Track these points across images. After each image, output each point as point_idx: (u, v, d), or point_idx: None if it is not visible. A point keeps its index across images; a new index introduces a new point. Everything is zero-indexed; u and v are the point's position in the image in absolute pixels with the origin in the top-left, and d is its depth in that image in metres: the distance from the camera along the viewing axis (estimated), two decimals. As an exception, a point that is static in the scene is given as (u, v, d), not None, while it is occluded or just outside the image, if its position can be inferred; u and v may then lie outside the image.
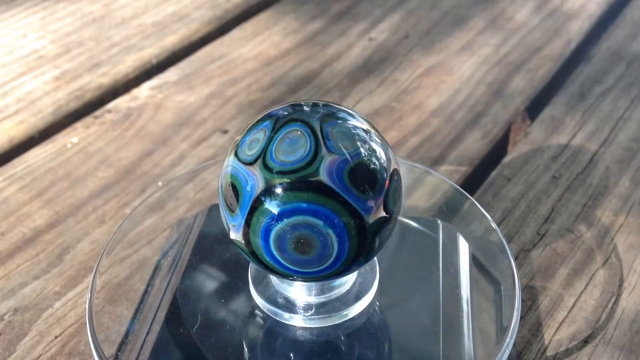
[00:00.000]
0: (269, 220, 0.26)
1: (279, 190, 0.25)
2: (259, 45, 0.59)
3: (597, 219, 0.40)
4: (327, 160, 0.25)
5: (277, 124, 0.26)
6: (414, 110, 0.51)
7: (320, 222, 0.25)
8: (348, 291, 0.31)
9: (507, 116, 0.50)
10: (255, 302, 0.31)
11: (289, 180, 0.25)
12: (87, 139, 0.48)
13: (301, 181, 0.25)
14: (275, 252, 0.26)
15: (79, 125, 0.50)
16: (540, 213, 0.41)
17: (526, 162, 0.45)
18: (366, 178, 0.26)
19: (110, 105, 0.52)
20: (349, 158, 0.26)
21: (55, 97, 0.52)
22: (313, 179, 0.25)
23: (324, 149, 0.25)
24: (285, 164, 0.25)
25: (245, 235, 0.27)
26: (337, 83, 0.54)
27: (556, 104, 0.51)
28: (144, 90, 0.53)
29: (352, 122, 0.27)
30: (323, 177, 0.25)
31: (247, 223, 0.26)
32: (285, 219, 0.26)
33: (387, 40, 0.59)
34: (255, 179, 0.26)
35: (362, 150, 0.26)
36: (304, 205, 0.25)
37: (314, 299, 0.30)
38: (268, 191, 0.26)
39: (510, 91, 0.52)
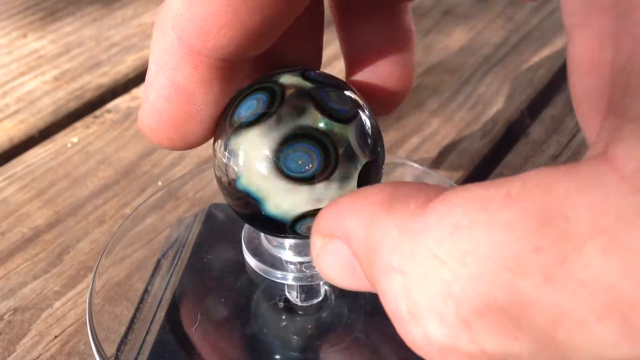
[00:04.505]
0: None
1: None
2: (259, 45, 0.59)
3: (597, 219, 0.40)
4: None
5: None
6: (414, 110, 0.50)
7: None
8: None
9: (507, 116, 0.50)
10: (248, 262, 0.31)
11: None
12: (87, 138, 0.48)
13: None
14: None
15: (78, 125, 0.50)
16: (540, 213, 0.41)
17: (526, 162, 0.45)
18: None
19: (110, 105, 0.52)
20: None
21: (55, 97, 0.52)
22: None
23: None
24: None
25: None
26: (337, 83, 0.54)
27: (556, 104, 0.51)
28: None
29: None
30: None
31: None
32: None
33: (387, 40, 0.59)
34: None
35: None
36: None
37: (305, 259, 0.30)
38: None
39: (510, 91, 0.52)
